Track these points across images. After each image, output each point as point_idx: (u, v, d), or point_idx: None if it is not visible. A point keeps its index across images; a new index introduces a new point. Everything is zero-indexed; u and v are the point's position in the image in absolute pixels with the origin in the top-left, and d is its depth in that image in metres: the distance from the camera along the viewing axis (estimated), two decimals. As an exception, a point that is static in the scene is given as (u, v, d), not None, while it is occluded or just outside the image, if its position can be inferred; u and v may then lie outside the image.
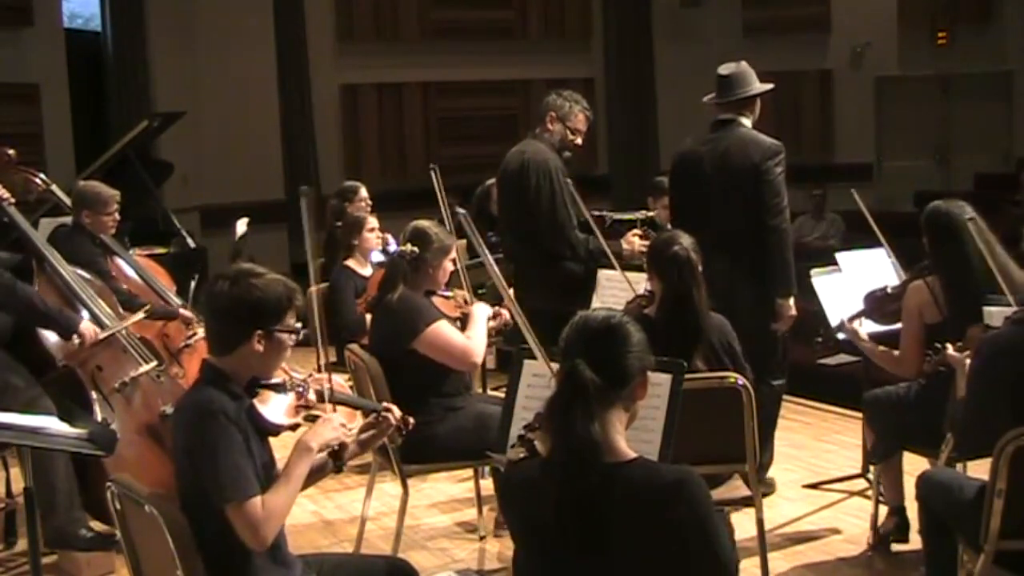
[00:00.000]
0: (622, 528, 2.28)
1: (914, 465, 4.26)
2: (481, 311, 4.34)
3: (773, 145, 4.78)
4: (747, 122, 4.90)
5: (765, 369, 4.60)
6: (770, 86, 4.95)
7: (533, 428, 2.50)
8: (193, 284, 6.71)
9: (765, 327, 4.69)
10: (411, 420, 3.19)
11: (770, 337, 4.76)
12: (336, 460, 2.93)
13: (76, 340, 4.35)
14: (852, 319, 4.35)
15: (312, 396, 3.24)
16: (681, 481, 2.27)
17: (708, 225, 4.61)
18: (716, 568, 2.33)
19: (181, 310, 5.09)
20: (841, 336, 4.42)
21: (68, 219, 5.38)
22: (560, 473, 2.31)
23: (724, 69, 4.88)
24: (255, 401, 2.88)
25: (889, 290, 4.37)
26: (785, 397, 5.54)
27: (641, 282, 4.62)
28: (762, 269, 4.68)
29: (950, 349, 3.55)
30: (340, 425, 2.90)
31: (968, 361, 3.42)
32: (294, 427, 3.63)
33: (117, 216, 5.24)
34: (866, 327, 4.38)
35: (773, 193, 4.70)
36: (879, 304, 4.34)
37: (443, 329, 4.10)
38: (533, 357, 3.27)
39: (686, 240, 3.98)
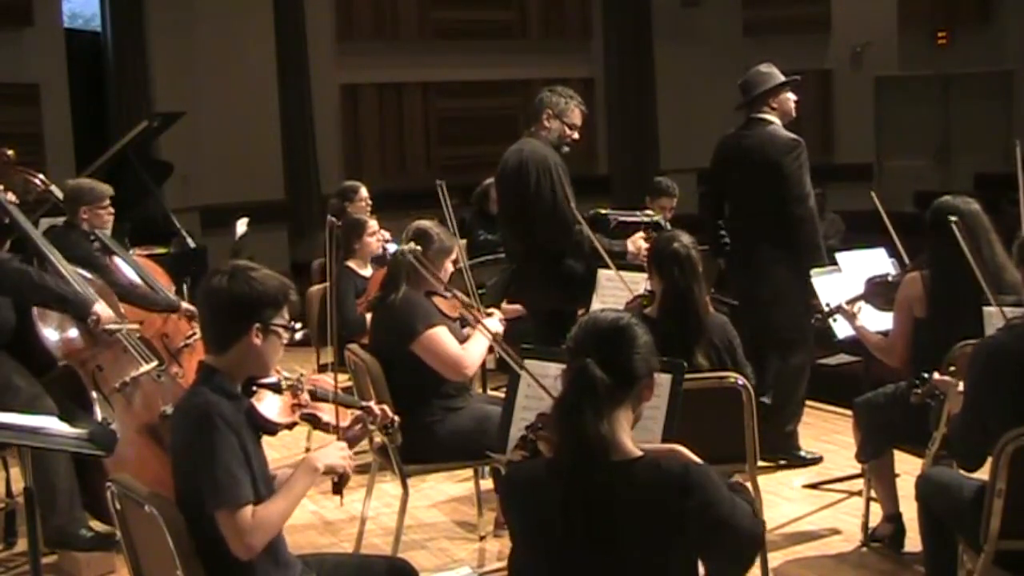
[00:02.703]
0: (630, 525, 2.29)
1: (910, 466, 4.27)
2: (493, 323, 4.30)
3: (789, 140, 5.26)
4: (771, 118, 5.35)
5: (789, 347, 5.25)
6: (774, 82, 5.32)
7: (536, 428, 2.50)
8: (186, 287, 6.70)
9: (791, 304, 5.04)
10: (396, 418, 3.20)
11: (794, 316, 5.11)
12: (336, 491, 2.95)
13: (92, 320, 4.37)
14: (851, 302, 4.39)
15: (307, 396, 3.25)
16: (687, 473, 2.29)
17: (741, 214, 5.35)
18: (739, 543, 2.37)
19: (183, 304, 5.09)
20: (838, 319, 4.44)
21: (63, 220, 5.38)
22: (568, 472, 2.32)
23: (741, 78, 5.44)
24: (252, 400, 2.88)
25: (890, 278, 4.48)
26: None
27: (640, 282, 4.62)
28: (789, 251, 5.11)
29: (936, 376, 3.53)
30: (348, 456, 2.91)
31: (959, 384, 3.39)
32: (291, 426, 3.63)
33: (112, 210, 5.23)
34: (868, 317, 4.41)
35: (793, 184, 5.17)
36: (878, 290, 4.39)
37: (440, 335, 4.09)
38: (533, 357, 3.27)
39: (686, 238, 4.00)
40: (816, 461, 5.39)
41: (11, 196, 4.69)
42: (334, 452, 2.88)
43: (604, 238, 5.19)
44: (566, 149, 5.20)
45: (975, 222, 4.03)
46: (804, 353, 5.38)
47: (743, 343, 4.07)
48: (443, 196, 5.42)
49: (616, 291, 4.82)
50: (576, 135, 5.23)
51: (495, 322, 4.36)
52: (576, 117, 5.20)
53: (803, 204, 5.17)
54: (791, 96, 5.40)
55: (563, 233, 5.03)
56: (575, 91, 5.35)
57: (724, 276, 5.73)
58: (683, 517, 2.27)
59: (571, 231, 5.01)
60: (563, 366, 2.45)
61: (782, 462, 5.36)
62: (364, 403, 3.29)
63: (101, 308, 4.42)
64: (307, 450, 5.54)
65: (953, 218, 3.88)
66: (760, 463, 5.21)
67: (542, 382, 3.11)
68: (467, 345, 4.16)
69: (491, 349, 4.34)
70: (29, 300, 4.42)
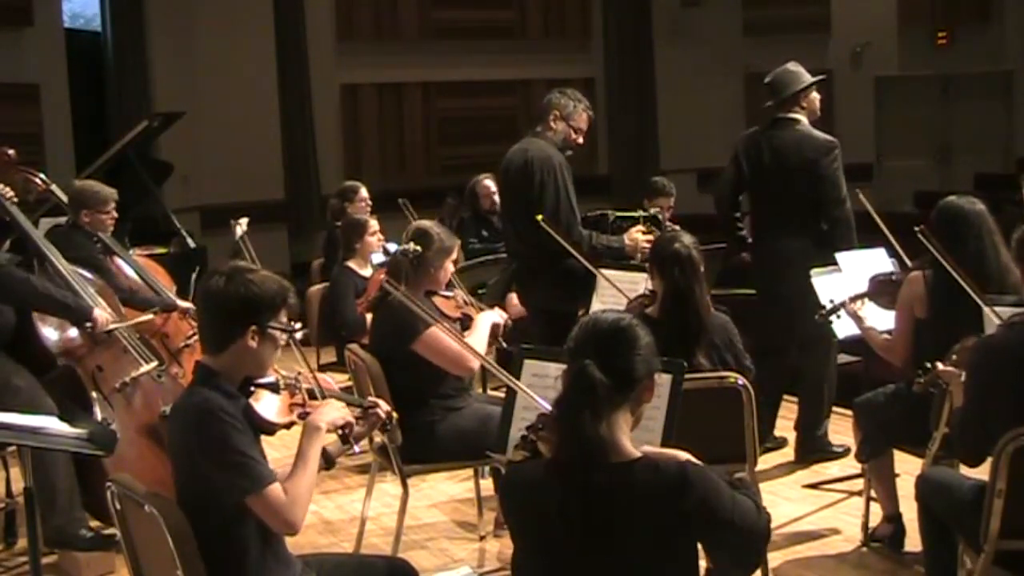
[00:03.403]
0: (629, 527, 2.29)
1: (910, 466, 4.27)
2: (486, 318, 4.32)
3: (827, 142, 5.27)
4: (800, 117, 5.32)
5: (811, 349, 5.27)
6: (807, 82, 5.32)
7: (536, 429, 2.50)
8: (194, 277, 6.74)
9: (816, 304, 4.89)
10: (395, 414, 3.23)
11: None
12: (345, 442, 2.96)
13: (88, 326, 4.40)
14: (854, 299, 4.38)
15: (304, 395, 3.26)
16: (684, 473, 2.29)
17: (770, 212, 5.33)
18: (742, 541, 2.36)
19: (180, 302, 5.10)
20: (842, 315, 4.44)
21: (64, 220, 5.39)
22: (567, 473, 2.32)
23: (768, 77, 5.37)
24: (250, 401, 2.88)
25: (894, 276, 4.48)
26: (785, 397, 5.59)
27: (640, 282, 4.63)
28: (821, 251, 5.03)
29: (940, 366, 3.53)
30: (342, 406, 2.95)
31: (962, 374, 3.39)
32: (289, 426, 3.63)
33: (115, 214, 5.25)
34: (872, 315, 4.40)
35: (832, 187, 5.20)
36: (882, 288, 4.38)
37: (441, 333, 4.09)
38: (533, 357, 3.27)
39: (687, 239, 4.01)
40: (847, 452, 5.37)
41: (9, 192, 4.70)
42: (329, 409, 2.90)
43: (602, 235, 5.19)
44: (569, 152, 5.19)
45: (980, 222, 4.03)
46: (829, 354, 5.37)
47: (759, 340, 4.07)
48: (409, 213, 5.40)
49: (615, 292, 4.82)
50: (581, 139, 5.21)
51: (487, 319, 4.35)
52: (583, 122, 5.18)
53: (842, 206, 5.20)
54: (816, 96, 5.42)
55: (565, 235, 5.02)
56: (575, 91, 5.32)
57: (745, 270, 5.73)
58: (682, 518, 2.27)
59: (572, 232, 5.00)
60: (563, 366, 2.45)
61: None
62: (362, 400, 3.29)
63: (99, 313, 4.44)
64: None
65: (918, 227, 3.87)
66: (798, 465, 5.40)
67: (542, 383, 3.11)
68: (467, 339, 4.16)
69: (491, 345, 4.36)
70: (32, 308, 4.44)
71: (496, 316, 4.38)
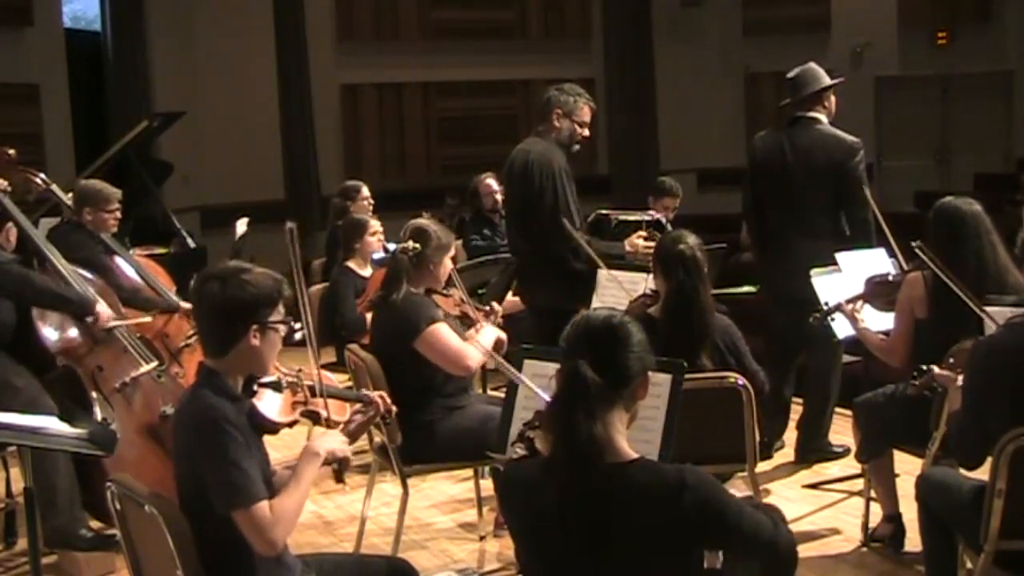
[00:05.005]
0: (625, 528, 2.28)
1: (910, 466, 4.27)
2: (490, 332, 4.31)
3: (854, 143, 5.26)
4: (821, 117, 5.31)
5: (821, 349, 5.22)
6: (832, 81, 5.35)
7: (534, 426, 2.50)
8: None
9: None
10: (393, 408, 3.22)
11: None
12: (338, 478, 2.95)
13: (90, 320, 4.40)
14: (851, 301, 4.37)
15: (306, 391, 3.25)
16: (682, 476, 2.28)
17: (790, 212, 5.21)
18: (759, 548, 2.35)
19: (182, 303, 5.09)
20: (836, 318, 4.43)
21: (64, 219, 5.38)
22: (562, 473, 2.31)
23: (790, 73, 5.33)
24: (253, 400, 2.88)
25: (891, 278, 4.45)
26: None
27: (639, 282, 4.62)
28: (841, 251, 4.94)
29: (936, 370, 3.52)
30: (344, 440, 2.94)
31: (959, 378, 3.38)
32: (292, 424, 3.63)
33: (118, 215, 5.24)
34: (867, 317, 4.40)
35: (857, 188, 5.15)
36: (878, 289, 4.37)
37: (442, 331, 4.09)
38: (532, 357, 3.27)
39: (692, 239, 4.01)
40: (847, 452, 5.34)
41: (2, 183, 4.70)
42: (332, 438, 2.91)
43: (602, 241, 5.18)
44: (576, 147, 5.17)
45: (977, 223, 4.03)
46: (836, 355, 5.35)
47: (769, 342, 4.04)
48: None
49: (616, 291, 4.82)
50: (587, 132, 5.20)
51: (492, 331, 4.35)
52: (585, 115, 5.16)
53: (867, 208, 5.13)
54: (834, 97, 5.41)
55: (560, 240, 5.01)
56: (573, 86, 5.30)
57: (745, 271, 5.70)
58: (680, 520, 2.26)
59: (569, 239, 4.99)
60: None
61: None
62: (362, 394, 3.30)
63: (102, 307, 4.44)
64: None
65: (915, 243, 3.87)
66: (798, 465, 5.38)
67: (541, 382, 3.11)
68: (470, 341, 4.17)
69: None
70: (32, 303, 4.43)
71: (500, 332, 4.37)
